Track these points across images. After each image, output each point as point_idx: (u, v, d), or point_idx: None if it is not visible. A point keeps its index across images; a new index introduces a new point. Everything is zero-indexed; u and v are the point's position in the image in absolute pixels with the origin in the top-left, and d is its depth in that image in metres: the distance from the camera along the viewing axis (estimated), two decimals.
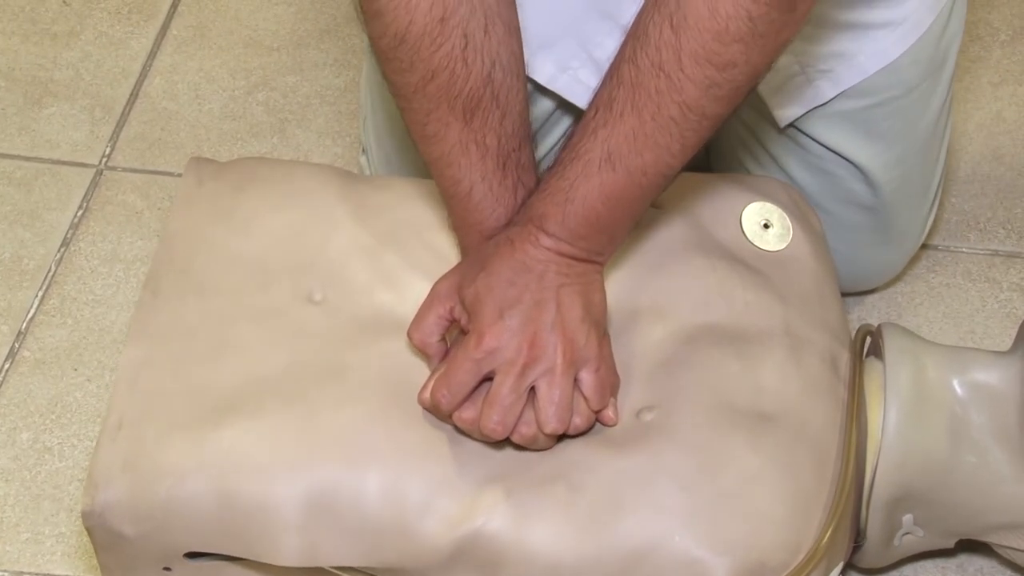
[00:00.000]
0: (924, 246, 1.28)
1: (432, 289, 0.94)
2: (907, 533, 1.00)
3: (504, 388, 0.88)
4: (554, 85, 1.08)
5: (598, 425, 0.91)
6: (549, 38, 1.05)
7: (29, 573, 1.06)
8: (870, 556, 1.01)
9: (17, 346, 1.20)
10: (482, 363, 0.88)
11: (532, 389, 0.89)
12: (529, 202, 0.92)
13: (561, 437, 0.91)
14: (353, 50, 1.47)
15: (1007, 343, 1.19)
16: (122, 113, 1.40)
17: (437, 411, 0.90)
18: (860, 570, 1.05)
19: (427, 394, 0.90)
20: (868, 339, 1.02)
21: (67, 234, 1.29)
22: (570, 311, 0.89)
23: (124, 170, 1.35)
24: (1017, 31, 1.50)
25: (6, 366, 1.19)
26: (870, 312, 1.24)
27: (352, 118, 1.40)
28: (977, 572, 1.07)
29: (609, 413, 0.91)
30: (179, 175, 1.05)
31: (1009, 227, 1.32)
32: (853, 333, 1.03)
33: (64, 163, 1.35)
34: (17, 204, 1.31)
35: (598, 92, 0.90)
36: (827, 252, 1.06)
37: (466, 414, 0.89)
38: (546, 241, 0.90)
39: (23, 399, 1.17)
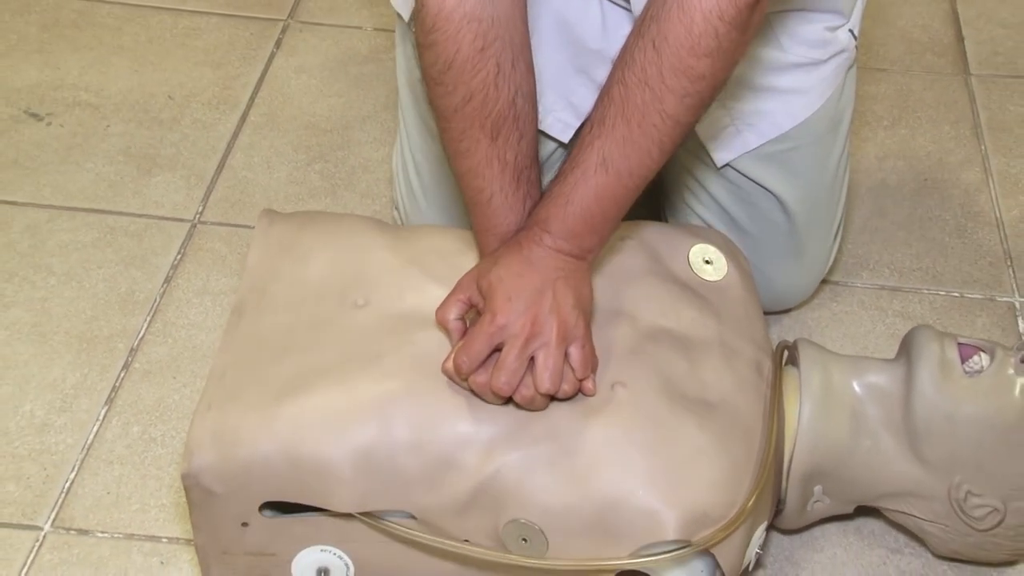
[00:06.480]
0: (827, 281, 1.28)
1: (457, 281, 0.93)
2: (817, 501, 1.00)
3: (510, 356, 0.87)
4: (541, 125, 1.07)
5: (581, 395, 0.91)
6: (537, 91, 1.05)
7: (139, 535, 1.06)
8: (788, 519, 1.01)
9: (130, 360, 1.20)
10: (494, 336, 0.88)
11: (532, 359, 0.88)
12: (535, 210, 0.91)
13: (553, 402, 0.90)
14: (388, 131, 1.47)
15: (892, 355, 1.19)
16: (211, 180, 1.40)
17: (457, 374, 0.89)
18: (781, 531, 1.06)
19: (449, 363, 0.89)
20: (786, 352, 1.02)
21: (168, 273, 1.29)
22: (564, 299, 0.89)
23: (213, 224, 1.35)
24: (896, 118, 1.51)
25: (122, 375, 1.19)
26: (787, 332, 1.24)
27: (387, 184, 1.40)
28: (871, 532, 1.07)
29: (589, 385, 0.90)
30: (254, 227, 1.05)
31: (892, 267, 1.32)
32: (774, 347, 1.03)
33: (167, 219, 1.36)
34: (131, 251, 1.32)
35: (591, 113, 0.89)
36: (753, 284, 1.06)
37: (480, 378, 0.88)
38: (548, 240, 0.89)
39: (134, 400, 1.17)
